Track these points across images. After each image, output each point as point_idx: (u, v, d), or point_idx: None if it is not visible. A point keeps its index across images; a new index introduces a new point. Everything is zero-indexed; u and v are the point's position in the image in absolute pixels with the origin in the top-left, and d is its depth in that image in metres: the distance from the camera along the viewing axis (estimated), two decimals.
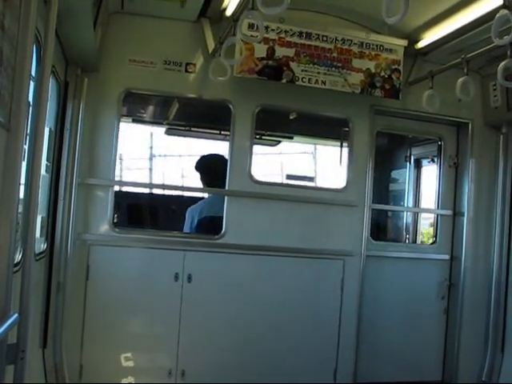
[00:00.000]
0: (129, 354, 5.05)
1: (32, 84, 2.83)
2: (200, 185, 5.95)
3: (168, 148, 8.19)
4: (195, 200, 6.07)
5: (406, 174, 7.10)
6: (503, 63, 3.98)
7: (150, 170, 8.61)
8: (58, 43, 4.06)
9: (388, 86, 5.32)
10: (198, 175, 5.95)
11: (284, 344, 5.36)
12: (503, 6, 3.33)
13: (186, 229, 5.76)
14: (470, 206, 5.84)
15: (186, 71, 5.18)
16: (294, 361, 5.36)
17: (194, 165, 6.05)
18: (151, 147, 8.54)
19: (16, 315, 2.55)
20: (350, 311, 5.53)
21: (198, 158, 6.16)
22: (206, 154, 6.21)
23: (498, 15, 3.33)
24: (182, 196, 7.00)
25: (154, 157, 8.65)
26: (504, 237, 5.74)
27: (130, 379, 5.03)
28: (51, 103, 4.18)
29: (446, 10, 4.75)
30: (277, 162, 7.55)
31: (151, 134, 7.95)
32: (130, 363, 5.06)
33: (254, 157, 5.35)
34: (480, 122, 5.89)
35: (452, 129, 6.05)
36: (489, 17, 3.85)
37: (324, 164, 7.29)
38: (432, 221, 6.45)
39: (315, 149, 8.12)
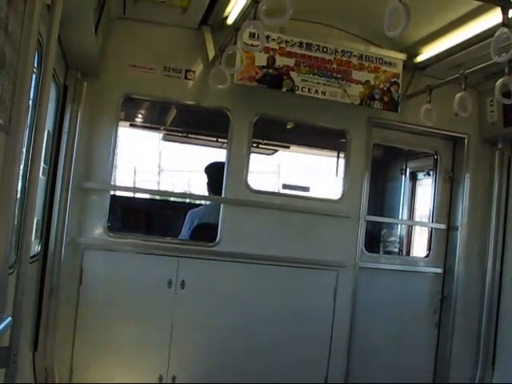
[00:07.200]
0: (120, 359, 5.02)
1: (32, 87, 2.83)
2: (198, 190, 5.91)
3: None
4: (191, 206, 6.06)
5: (401, 187, 7.12)
6: (501, 80, 4.01)
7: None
8: (59, 47, 4.06)
9: (387, 98, 5.33)
10: (204, 179, 5.92)
11: (276, 352, 5.35)
12: (502, 24, 3.35)
13: (185, 231, 5.75)
14: (464, 221, 5.86)
15: (186, 78, 5.19)
16: (285, 369, 5.35)
17: (204, 167, 6.02)
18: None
19: (9, 318, 2.54)
20: (343, 322, 5.52)
21: (210, 162, 6.09)
22: (218, 160, 6.02)
23: (497, 33, 3.35)
24: (178, 202, 7.01)
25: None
26: (498, 251, 5.75)
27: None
28: (50, 106, 4.17)
29: (445, 26, 4.78)
30: (273, 170, 7.55)
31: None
32: (121, 367, 5.03)
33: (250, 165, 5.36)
34: (476, 137, 5.91)
35: (448, 143, 6.07)
36: (487, 34, 3.89)
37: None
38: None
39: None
